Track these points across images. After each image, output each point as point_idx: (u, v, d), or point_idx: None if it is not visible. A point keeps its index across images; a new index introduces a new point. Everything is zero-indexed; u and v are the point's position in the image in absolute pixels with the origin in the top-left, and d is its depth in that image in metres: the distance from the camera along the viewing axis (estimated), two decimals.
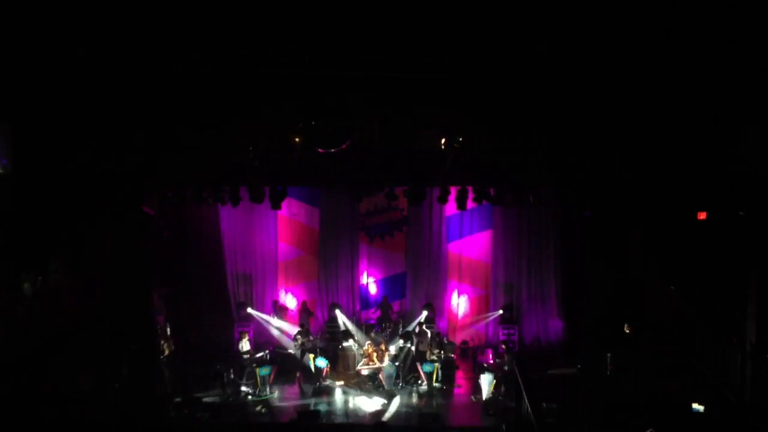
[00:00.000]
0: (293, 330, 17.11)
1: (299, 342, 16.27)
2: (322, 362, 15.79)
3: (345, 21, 9.74)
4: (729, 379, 11.02)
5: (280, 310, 18.47)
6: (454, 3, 9.44)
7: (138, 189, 13.67)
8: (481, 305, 19.13)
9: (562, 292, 18.46)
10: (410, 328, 17.16)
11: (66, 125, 11.50)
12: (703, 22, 9.29)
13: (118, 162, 12.63)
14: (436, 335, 16.82)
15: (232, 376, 15.70)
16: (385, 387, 15.34)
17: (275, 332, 17.94)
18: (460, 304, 19.12)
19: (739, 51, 9.64)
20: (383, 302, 18.47)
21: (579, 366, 14.58)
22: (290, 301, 19.03)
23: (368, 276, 19.16)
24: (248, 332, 17.19)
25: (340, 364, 16.31)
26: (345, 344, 16.51)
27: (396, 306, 18.82)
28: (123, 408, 13.18)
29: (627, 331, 13.75)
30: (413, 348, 16.17)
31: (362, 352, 15.98)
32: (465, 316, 19.13)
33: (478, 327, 19.01)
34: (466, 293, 19.14)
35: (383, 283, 19.16)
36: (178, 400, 14.36)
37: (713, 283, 12.16)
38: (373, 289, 19.16)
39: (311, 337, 16.61)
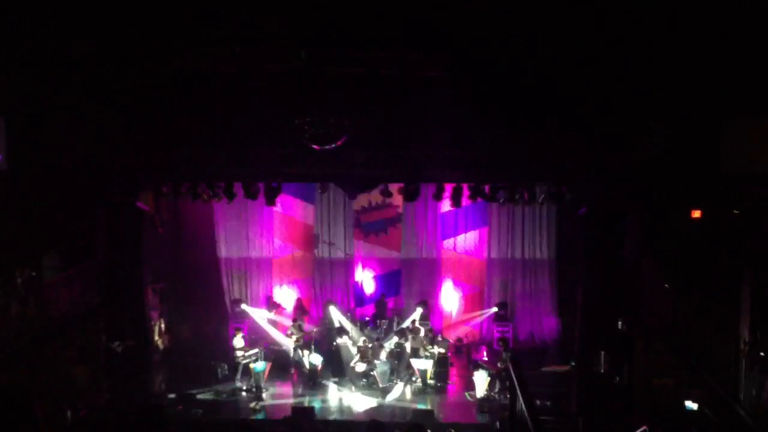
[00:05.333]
0: (286, 327, 17.13)
1: (293, 338, 16.27)
2: (316, 359, 15.80)
3: (342, 18, 9.72)
4: (722, 377, 11.06)
5: (274, 307, 18.45)
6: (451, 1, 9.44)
7: (133, 185, 13.64)
8: (475, 302, 19.13)
9: (557, 289, 18.48)
10: (404, 325, 17.17)
11: (61, 120, 11.46)
12: (695, 20, 9.30)
13: (113, 157, 12.60)
14: (429, 332, 16.84)
15: (226, 372, 15.69)
16: (380, 384, 15.33)
17: (270, 329, 17.91)
18: (454, 301, 19.12)
19: (734, 50, 9.65)
20: (380, 299, 18.50)
21: (573, 363, 14.61)
22: (285, 298, 19.00)
23: (364, 271, 19.14)
24: (243, 329, 17.18)
25: (335, 360, 16.30)
26: (339, 341, 16.49)
27: (390, 303, 18.80)
28: (117, 404, 13.15)
29: (621, 329, 13.77)
30: (408, 345, 16.19)
31: (357, 349, 15.97)
32: (459, 313, 19.13)
33: (472, 324, 19.02)
34: (461, 290, 19.14)
35: (378, 280, 19.15)
36: (172, 396, 14.34)
37: (707, 280, 12.19)
38: (369, 287, 19.13)
39: (309, 330, 16.62)
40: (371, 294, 19.07)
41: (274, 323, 17.98)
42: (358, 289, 19.13)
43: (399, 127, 12.66)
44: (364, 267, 19.18)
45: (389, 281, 19.18)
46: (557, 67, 10.80)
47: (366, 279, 19.14)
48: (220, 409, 14.23)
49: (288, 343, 16.64)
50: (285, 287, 19.14)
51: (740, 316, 10.76)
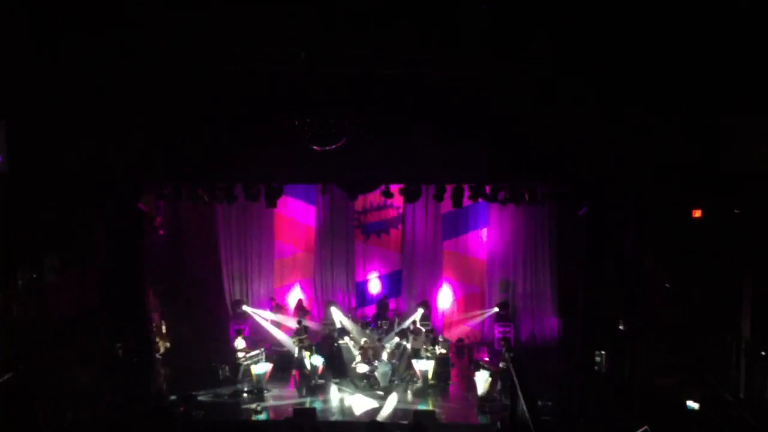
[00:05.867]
0: (289, 328, 17.10)
1: (296, 340, 16.27)
2: (317, 360, 15.79)
3: (340, 18, 9.73)
4: (724, 377, 11.07)
5: (275, 308, 18.46)
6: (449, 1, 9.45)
7: (134, 186, 13.65)
8: (476, 303, 19.14)
9: (558, 289, 18.46)
10: (406, 326, 17.17)
11: (62, 122, 11.46)
12: (695, 18, 9.31)
13: (115, 159, 12.60)
14: (430, 332, 16.84)
15: (227, 373, 15.69)
16: (381, 384, 15.34)
17: (271, 330, 17.91)
18: (455, 301, 19.13)
19: (734, 48, 9.66)
20: (381, 300, 18.50)
21: (574, 363, 14.60)
22: (286, 299, 19.01)
23: (365, 272, 19.14)
24: (244, 330, 17.17)
25: (336, 361, 16.30)
26: (341, 342, 16.51)
27: (392, 303, 18.82)
28: (118, 406, 13.15)
29: (622, 328, 13.76)
30: (409, 345, 16.20)
31: (358, 350, 15.98)
32: (460, 313, 19.14)
33: (473, 324, 19.02)
34: (462, 291, 19.16)
35: (379, 281, 19.16)
36: (173, 397, 14.35)
37: (708, 280, 12.19)
38: (375, 287, 19.13)
39: (315, 331, 16.65)
40: (373, 295, 19.09)
41: (277, 324, 17.99)
42: (360, 290, 19.15)
43: (399, 127, 12.64)
44: (365, 268, 19.19)
45: (390, 282, 19.20)
46: (556, 67, 10.81)
47: (367, 280, 19.14)
48: (222, 410, 14.22)
49: (291, 344, 16.64)
50: (286, 288, 19.15)
51: (740, 316, 10.78)
